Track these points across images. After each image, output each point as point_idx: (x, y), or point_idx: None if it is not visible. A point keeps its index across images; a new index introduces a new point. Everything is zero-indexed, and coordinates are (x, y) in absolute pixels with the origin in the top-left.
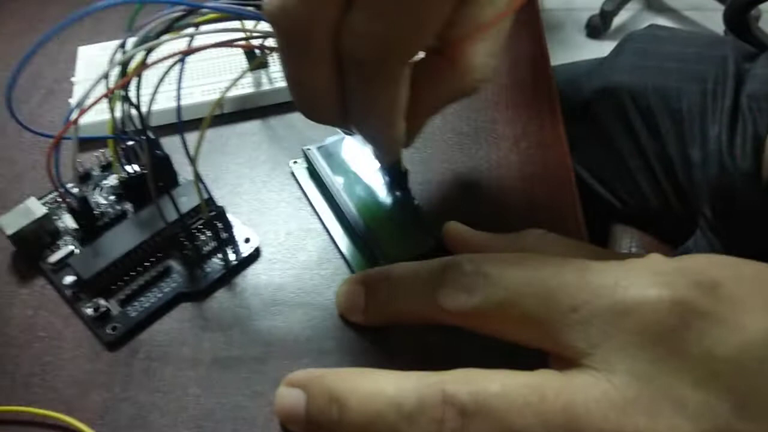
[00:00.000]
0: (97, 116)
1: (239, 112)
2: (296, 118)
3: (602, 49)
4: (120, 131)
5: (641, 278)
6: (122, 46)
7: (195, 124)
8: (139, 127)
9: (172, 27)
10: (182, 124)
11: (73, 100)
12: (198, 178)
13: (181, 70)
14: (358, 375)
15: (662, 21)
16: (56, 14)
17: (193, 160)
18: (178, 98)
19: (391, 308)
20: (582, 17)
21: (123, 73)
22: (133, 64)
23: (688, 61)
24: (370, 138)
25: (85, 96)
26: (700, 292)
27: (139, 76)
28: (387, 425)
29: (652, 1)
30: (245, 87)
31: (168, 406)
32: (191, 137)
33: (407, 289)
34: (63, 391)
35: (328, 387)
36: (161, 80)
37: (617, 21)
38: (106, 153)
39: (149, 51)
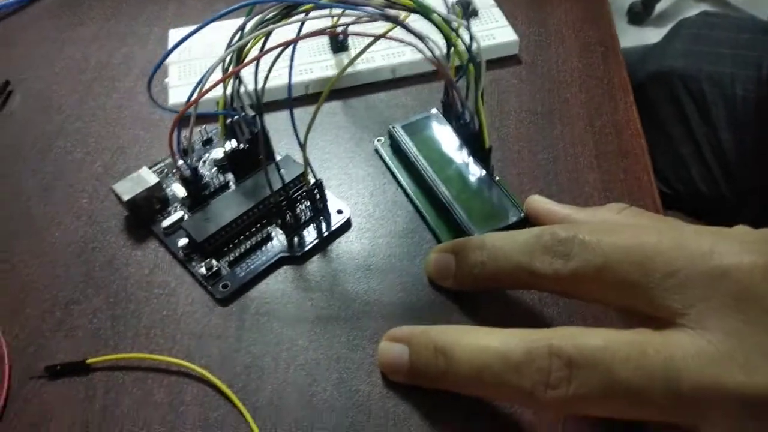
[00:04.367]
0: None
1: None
2: (375, 98)
3: (644, 35)
4: (229, 107)
5: (734, 246)
6: (241, 29)
7: (283, 103)
8: (247, 104)
9: (287, 14)
10: (291, 102)
11: (168, 80)
12: (305, 151)
13: (293, 54)
14: (462, 330)
15: (706, 7)
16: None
17: (303, 143)
18: (290, 81)
19: (484, 273)
20: (624, 3)
21: (239, 55)
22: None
23: (741, 47)
24: None
25: (206, 77)
26: None
27: (258, 59)
28: (494, 375)
29: None
30: (328, 69)
31: (280, 356)
32: (282, 115)
33: (502, 255)
34: (181, 341)
35: (434, 340)
36: (273, 63)
37: (659, 8)
38: (207, 128)
39: (267, 35)
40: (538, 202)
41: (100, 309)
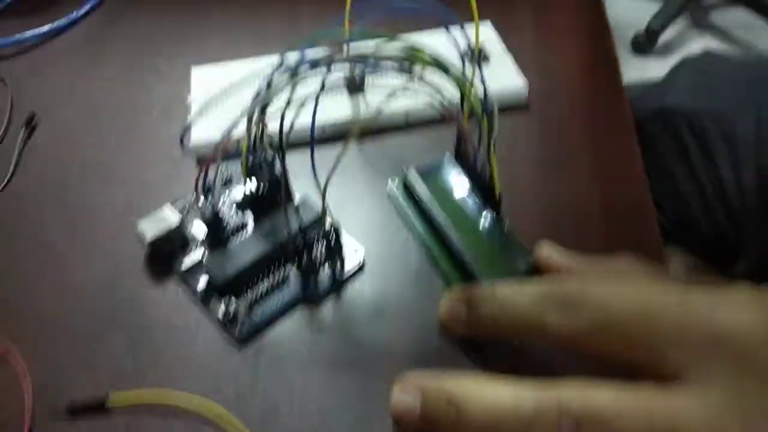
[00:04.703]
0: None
1: (339, 136)
2: (388, 141)
3: (648, 65)
4: (252, 151)
5: (736, 308)
6: (268, 85)
7: (301, 143)
8: (268, 148)
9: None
10: (313, 148)
11: (191, 118)
12: (324, 199)
13: (315, 105)
14: (474, 380)
15: (709, 39)
16: (165, 34)
17: (323, 191)
18: (312, 131)
19: (494, 323)
20: (628, 34)
21: (264, 106)
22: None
23: (742, 87)
24: None
25: (233, 126)
26: None
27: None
28: (505, 429)
29: (699, 20)
30: (344, 111)
31: (295, 400)
32: (299, 155)
33: (511, 306)
34: (200, 381)
35: (446, 389)
36: (296, 116)
37: (663, 39)
38: (228, 167)
39: (294, 86)
40: (548, 250)
41: (122, 347)
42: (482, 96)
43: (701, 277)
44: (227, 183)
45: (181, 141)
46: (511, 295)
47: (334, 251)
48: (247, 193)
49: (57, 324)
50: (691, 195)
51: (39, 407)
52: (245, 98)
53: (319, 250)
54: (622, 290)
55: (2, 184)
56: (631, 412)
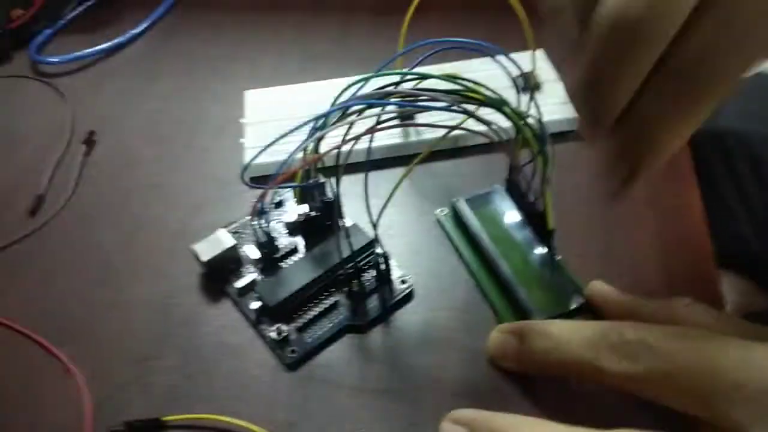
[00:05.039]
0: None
1: (386, 160)
2: (439, 167)
3: None
4: (305, 179)
5: None
6: (323, 123)
7: (350, 167)
8: (321, 176)
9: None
10: (368, 176)
11: (244, 141)
12: (376, 229)
13: (371, 139)
14: (526, 422)
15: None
16: (218, 54)
17: (375, 223)
18: (368, 158)
19: (547, 361)
20: None
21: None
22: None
23: None
24: (628, 156)
25: (289, 159)
26: None
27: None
28: None
29: None
30: (394, 137)
31: (344, 427)
32: (348, 179)
33: (567, 346)
34: (251, 404)
35: (498, 430)
36: (352, 147)
37: None
38: (279, 192)
39: (351, 125)
40: (601, 290)
41: (176, 366)
42: (537, 128)
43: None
44: (279, 206)
45: (242, 177)
46: (567, 335)
47: (384, 279)
48: (300, 217)
49: (114, 341)
50: (742, 217)
51: (97, 422)
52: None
53: (369, 278)
54: (683, 340)
55: (65, 201)
56: None
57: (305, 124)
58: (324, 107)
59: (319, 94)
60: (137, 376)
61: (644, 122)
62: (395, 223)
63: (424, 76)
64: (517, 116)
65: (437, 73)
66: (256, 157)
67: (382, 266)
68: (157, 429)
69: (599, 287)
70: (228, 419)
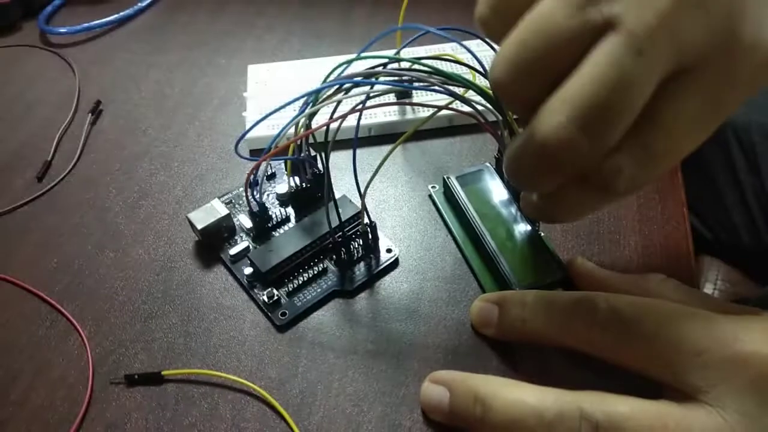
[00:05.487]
0: (274, 131)
1: (383, 136)
2: (431, 145)
3: None
4: (296, 151)
5: (756, 335)
6: (316, 97)
7: (343, 143)
8: (312, 149)
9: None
10: (356, 151)
11: (246, 114)
12: (363, 200)
13: (360, 113)
14: (500, 382)
15: None
16: (224, 28)
17: (362, 193)
18: (356, 136)
19: (523, 329)
20: None
21: (311, 116)
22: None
23: None
24: (548, 213)
25: (283, 132)
26: None
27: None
28: (527, 429)
29: None
30: (390, 115)
31: (332, 384)
32: (340, 153)
33: (542, 315)
34: (245, 362)
35: (474, 388)
36: (340, 125)
37: None
38: (272, 163)
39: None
40: (581, 263)
41: (176, 325)
42: None
43: (735, 289)
44: (271, 177)
45: (236, 149)
46: (542, 304)
47: (371, 248)
48: (291, 189)
49: (116, 300)
50: (735, 206)
51: (99, 375)
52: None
53: (357, 246)
54: (651, 311)
55: (70, 167)
56: (648, 423)
57: (296, 99)
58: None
59: (321, 70)
60: (139, 333)
61: (552, 209)
62: (389, 197)
63: (394, 60)
64: (489, 97)
65: (429, 53)
66: (248, 131)
67: (369, 236)
68: (157, 382)
69: (578, 262)
70: (224, 375)
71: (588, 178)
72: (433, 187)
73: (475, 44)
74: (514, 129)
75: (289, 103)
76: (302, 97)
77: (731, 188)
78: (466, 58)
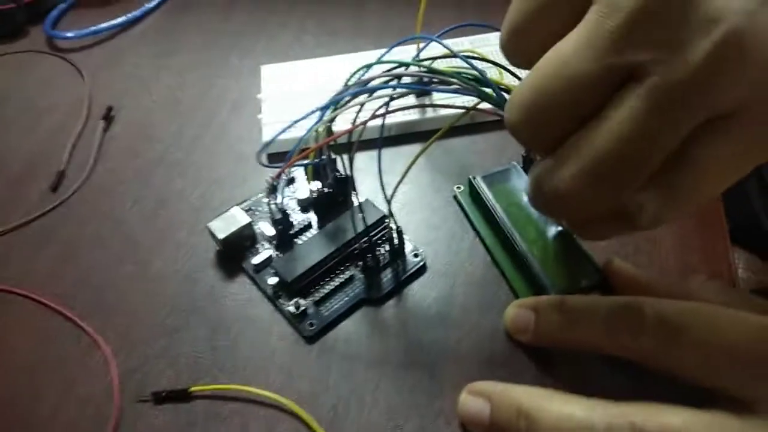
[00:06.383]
0: (295, 133)
1: (403, 136)
2: (455, 144)
3: None
4: (318, 157)
5: None
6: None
7: (364, 144)
8: (333, 152)
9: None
10: (381, 153)
11: (261, 117)
12: (390, 205)
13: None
14: (543, 394)
15: None
16: (235, 29)
17: (389, 199)
18: (381, 137)
19: (563, 335)
20: None
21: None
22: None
23: None
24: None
25: (304, 139)
26: None
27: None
28: None
29: None
30: (410, 114)
31: (364, 398)
32: (361, 155)
33: (584, 322)
34: (274, 375)
35: (516, 400)
36: (361, 133)
37: None
38: (291, 169)
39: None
40: (618, 266)
41: (201, 339)
42: None
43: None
44: (291, 182)
45: (258, 158)
46: (582, 309)
47: (397, 253)
48: (312, 194)
49: (139, 313)
50: (755, 193)
51: (125, 393)
52: (314, 98)
53: (383, 252)
54: (699, 319)
55: (84, 176)
56: None
57: (322, 108)
58: (340, 82)
59: (335, 68)
60: (164, 349)
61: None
62: (412, 199)
63: (402, 64)
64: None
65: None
66: (271, 141)
67: (395, 240)
68: (185, 399)
69: (615, 264)
70: (253, 389)
71: (611, 209)
72: (458, 187)
73: (494, 36)
74: None
75: (312, 112)
76: (326, 107)
77: (752, 175)
78: (488, 52)
